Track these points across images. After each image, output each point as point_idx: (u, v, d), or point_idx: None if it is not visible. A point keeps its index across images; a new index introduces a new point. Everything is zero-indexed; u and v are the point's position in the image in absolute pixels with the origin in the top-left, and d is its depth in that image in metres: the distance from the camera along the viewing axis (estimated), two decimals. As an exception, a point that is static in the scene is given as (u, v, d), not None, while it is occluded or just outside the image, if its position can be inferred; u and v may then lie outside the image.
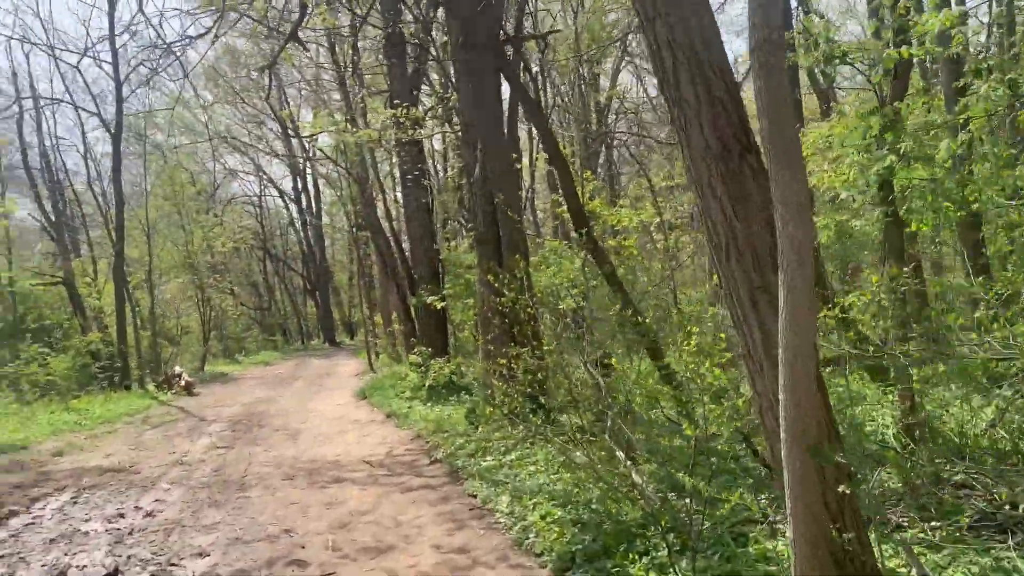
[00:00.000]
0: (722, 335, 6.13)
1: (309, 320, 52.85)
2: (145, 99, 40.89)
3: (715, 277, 4.30)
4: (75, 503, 7.89)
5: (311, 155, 47.13)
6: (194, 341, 32.20)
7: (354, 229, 31.04)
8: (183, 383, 19.37)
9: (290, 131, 14.22)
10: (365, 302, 28.86)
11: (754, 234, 3.54)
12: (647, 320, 8.20)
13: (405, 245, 17.66)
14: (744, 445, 6.66)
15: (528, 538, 5.80)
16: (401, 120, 13.85)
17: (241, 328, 41.34)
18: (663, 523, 4.78)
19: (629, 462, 6.27)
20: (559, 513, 6.06)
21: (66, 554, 6.14)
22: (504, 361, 8.06)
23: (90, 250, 25.83)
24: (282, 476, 8.83)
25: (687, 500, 5.14)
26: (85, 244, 26.73)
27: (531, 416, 8.79)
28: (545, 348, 8.06)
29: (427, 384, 13.85)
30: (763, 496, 5.70)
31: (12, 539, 6.67)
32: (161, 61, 20.54)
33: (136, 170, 29.96)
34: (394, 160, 17.26)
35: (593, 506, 6.03)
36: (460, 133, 11.01)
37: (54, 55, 20.96)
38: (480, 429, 9.66)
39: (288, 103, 32.20)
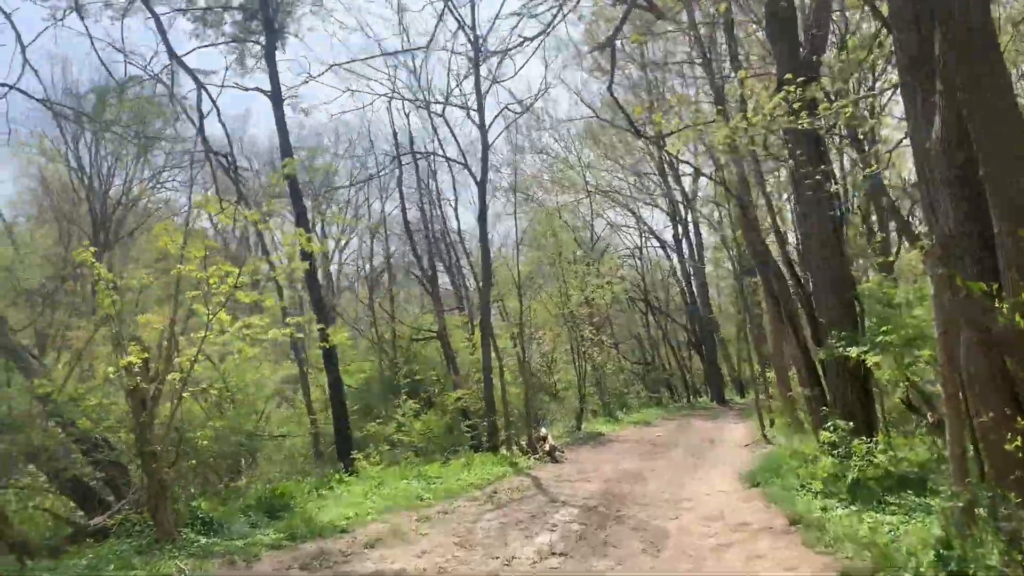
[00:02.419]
0: None
1: (695, 376, 49.40)
2: (524, 156, 42.66)
3: None
4: (331, 646, 5.50)
5: (691, 197, 44.86)
6: (573, 397, 30.97)
7: (739, 272, 27.14)
8: (547, 447, 17.34)
9: (642, 131, 11.51)
10: (755, 356, 24.61)
11: None
12: None
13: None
14: None
15: None
16: (793, 104, 10.02)
17: (622, 383, 39.47)
18: None
19: None
20: None
21: None
22: None
23: (467, 302, 26.00)
24: (622, 634, 5.50)
25: None
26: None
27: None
28: None
29: (850, 476, 9.44)
30: None
31: None
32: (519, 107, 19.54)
33: (512, 223, 30.09)
34: (780, 173, 13.29)
35: None
36: (901, 84, 6.82)
37: (428, 110, 21.24)
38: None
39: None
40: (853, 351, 9.42)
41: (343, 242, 47.06)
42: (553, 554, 8.14)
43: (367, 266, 39.19)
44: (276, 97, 15.45)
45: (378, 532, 9.39)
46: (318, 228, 29.24)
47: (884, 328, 9.67)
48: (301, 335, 10.82)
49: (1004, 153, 5.16)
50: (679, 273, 47.41)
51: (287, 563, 7.98)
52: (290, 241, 10.62)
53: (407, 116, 21.40)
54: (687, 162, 17.54)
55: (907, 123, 6.66)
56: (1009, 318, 4.88)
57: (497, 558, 8.04)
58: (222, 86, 15.86)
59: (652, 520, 9.81)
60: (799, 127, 10.35)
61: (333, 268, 42.80)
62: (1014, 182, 5.12)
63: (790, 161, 11.46)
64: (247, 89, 16.70)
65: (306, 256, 14.88)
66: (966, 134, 5.51)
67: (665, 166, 44.17)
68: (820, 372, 12.54)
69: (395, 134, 21.59)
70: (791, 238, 18.60)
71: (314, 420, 16.52)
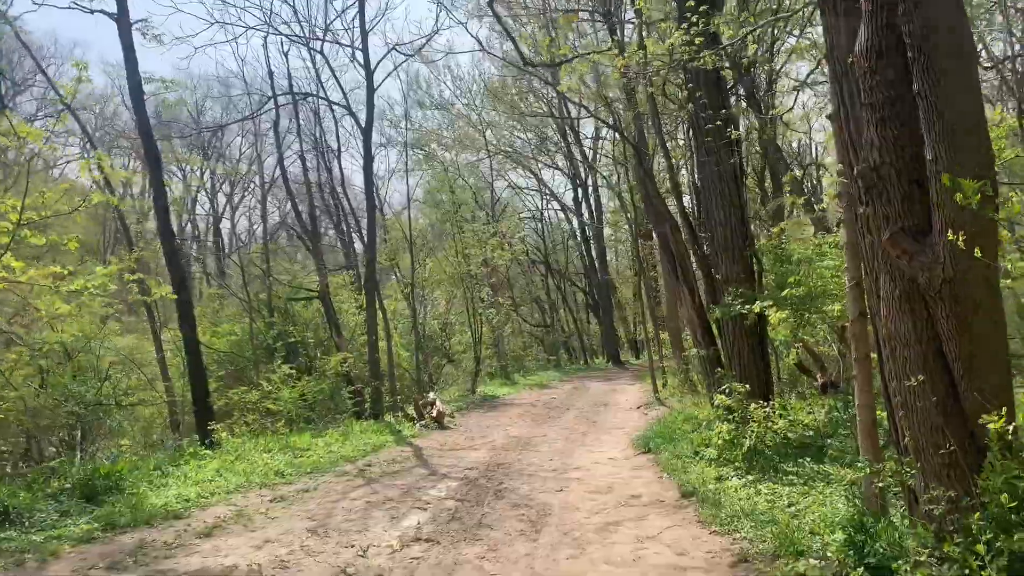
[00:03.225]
0: None
1: (592, 338, 49.47)
2: (424, 112, 40.88)
3: None
4: None
5: (592, 158, 44.32)
6: (470, 360, 29.96)
7: (636, 234, 26.60)
8: (434, 413, 16.26)
9: (529, 61, 10.29)
10: (650, 318, 24.26)
11: None
12: None
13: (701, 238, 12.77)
14: None
15: None
16: (695, 39, 9.09)
17: (520, 346, 38.82)
18: None
19: None
20: None
21: None
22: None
23: (356, 261, 24.37)
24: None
25: None
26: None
27: None
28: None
29: (747, 443, 8.76)
30: None
31: None
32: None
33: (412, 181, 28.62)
34: (680, 116, 12.46)
35: None
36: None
37: (308, 45, 19.17)
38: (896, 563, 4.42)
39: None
40: (756, 306, 8.67)
41: (237, 199, 44.32)
42: (418, 540, 7.05)
43: (261, 224, 36.73)
44: (122, 19, 13.36)
45: (219, 517, 8.04)
46: (180, 172, 26.56)
47: (791, 279, 8.98)
48: (112, 287, 9.14)
49: (945, 61, 4.29)
50: (579, 236, 46.97)
51: (92, 561, 6.55)
52: (88, 167, 8.82)
53: (286, 55, 19.03)
54: (582, 105, 16.51)
55: (824, 36, 5.77)
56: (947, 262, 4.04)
57: (352, 547, 6.87)
58: (65, 8, 13.69)
59: (536, 494, 8.89)
60: (700, 64, 9.47)
61: (225, 226, 39.96)
62: (954, 99, 4.27)
63: (690, 106, 10.59)
64: (91, 11, 14.48)
65: (160, 198, 13.13)
66: (898, 43, 4.62)
67: (567, 128, 43.49)
68: (715, 332, 11.92)
69: (271, 74, 19.63)
70: (687, 201, 18.02)
71: (168, 387, 14.67)
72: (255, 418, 13.77)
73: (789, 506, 6.98)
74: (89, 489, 8.34)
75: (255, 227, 45.45)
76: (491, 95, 42.51)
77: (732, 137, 10.27)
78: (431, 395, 17.50)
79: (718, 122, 10.35)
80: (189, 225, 43.21)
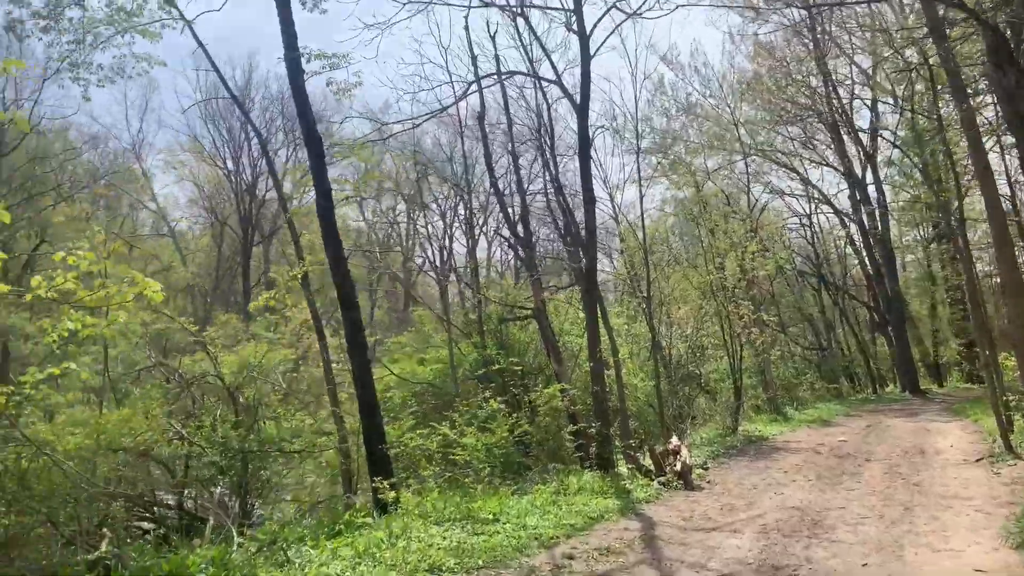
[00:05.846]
0: None
1: (880, 361, 41.29)
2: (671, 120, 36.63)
3: None
4: None
5: (870, 153, 37.07)
6: (728, 390, 25.02)
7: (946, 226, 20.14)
8: (677, 466, 12.14)
9: None
10: (981, 331, 17.90)
11: None
12: None
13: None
14: None
15: None
16: None
17: (792, 373, 32.73)
18: None
19: None
20: None
21: None
22: None
23: (579, 272, 20.83)
24: None
25: None
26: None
27: None
28: None
29: None
30: None
31: None
32: None
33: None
34: None
35: None
36: None
37: (512, 8, 15.76)
38: None
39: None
40: None
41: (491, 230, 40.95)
42: None
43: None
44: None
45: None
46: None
47: None
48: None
49: None
50: (858, 242, 39.46)
51: None
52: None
53: (493, 38, 16.05)
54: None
55: None
56: None
57: None
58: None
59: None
60: None
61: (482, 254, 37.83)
62: None
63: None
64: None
65: (323, 197, 10.74)
66: None
67: (837, 115, 36.85)
68: None
69: (474, 58, 16.67)
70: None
71: (342, 431, 12.06)
72: (435, 470, 10.72)
73: None
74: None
75: (509, 256, 42.68)
76: (749, 89, 37.21)
77: None
78: (674, 440, 13.34)
79: None
80: (448, 255, 42.44)
